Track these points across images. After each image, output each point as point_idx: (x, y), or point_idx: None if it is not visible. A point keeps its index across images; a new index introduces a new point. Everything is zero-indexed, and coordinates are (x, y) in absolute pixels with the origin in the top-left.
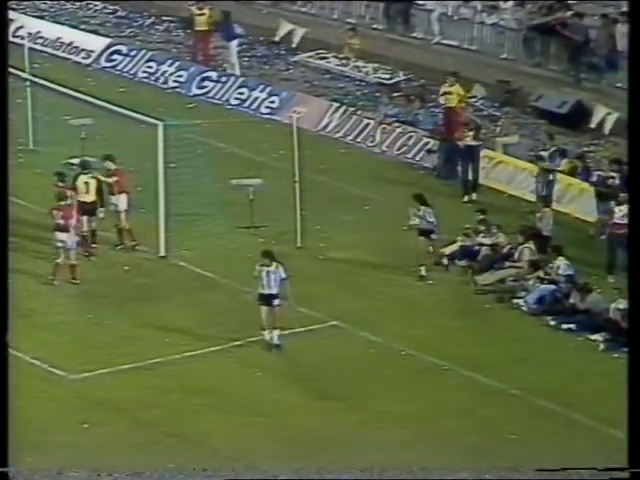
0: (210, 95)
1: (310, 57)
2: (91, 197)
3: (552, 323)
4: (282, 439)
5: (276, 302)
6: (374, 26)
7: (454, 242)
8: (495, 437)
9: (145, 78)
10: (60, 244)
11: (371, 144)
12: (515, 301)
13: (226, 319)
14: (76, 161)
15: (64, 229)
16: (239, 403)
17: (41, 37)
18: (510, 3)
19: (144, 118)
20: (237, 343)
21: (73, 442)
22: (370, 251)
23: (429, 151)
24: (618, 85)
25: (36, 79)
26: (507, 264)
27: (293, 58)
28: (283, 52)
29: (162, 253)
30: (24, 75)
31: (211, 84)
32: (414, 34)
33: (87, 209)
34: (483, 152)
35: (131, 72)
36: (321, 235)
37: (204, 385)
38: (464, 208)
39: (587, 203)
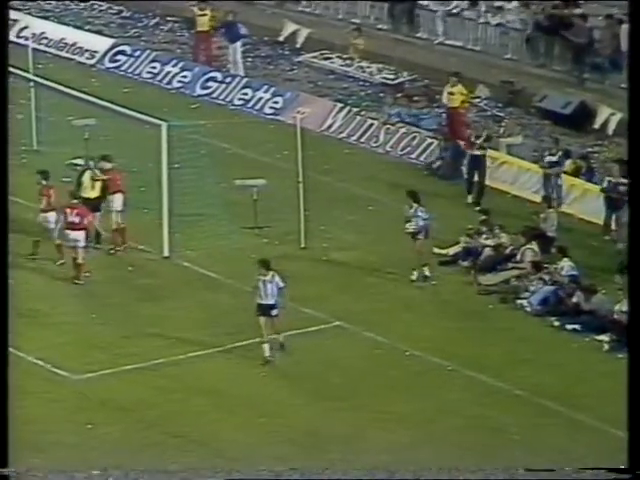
0: (214, 95)
1: (314, 57)
2: (95, 193)
3: (556, 324)
4: (286, 439)
5: (274, 312)
6: (379, 26)
7: (457, 243)
8: (499, 438)
9: (149, 78)
10: (73, 243)
11: (375, 144)
12: (519, 302)
13: (230, 319)
14: (80, 161)
15: (78, 227)
16: (243, 403)
17: (45, 38)
18: (514, 3)
19: (148, 118)
20: (241, 343)
21: (77, 442)
22: (374, 251)
23: (442, 158)
24: (622, 86)
25: (40, 79)
26: (510, 265)
27: (297, 58)
28: (287, 52)
29: (166, 253)
30: (28, 75)
31: (215, 84)
32: (418, 34)
33: (91, 206)
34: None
35: (135, 72)
36: (325, 235)
37: (208, 385)
38: (468, 209)
39: (591, 204)
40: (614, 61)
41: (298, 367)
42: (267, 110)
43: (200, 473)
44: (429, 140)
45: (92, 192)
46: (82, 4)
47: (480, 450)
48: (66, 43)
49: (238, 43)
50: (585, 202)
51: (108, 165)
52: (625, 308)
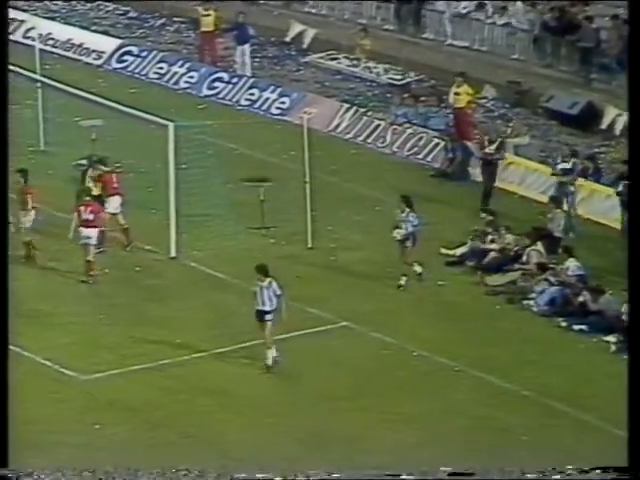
0: (221, 96)
1: (321, 58)
2: (98, 190)
3: (563, 324)
4: (292, 440)
5: (267, 318)
6: (385, 27)
7: (464, 244)
8: (506, 438)
9: (156, 79)
10: (85, 240)
11: (382, 145)
12: (526, 302)
13: (236, 320)
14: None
15: (92, 225)
16: (250, 404)
17: (52, 38)
18: (521, 4)
19: (155, 119)
20: (248, 344)
21: (84, 442)
22: (381, 252)
23: (449, 158)
24: None
25: (47, 80)
26: (516, 266)
27: (304, 59)
28: (294, 53)
29: (173, 254)
30: (35, 76)
31: (222, 85)
32: (425, 35)
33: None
34: None
35: (142, 73)
36: (332, 236)
37: (214, 386)
38: (475, 211)
39: (598, 204)
40: (621, 61)
41: (305, 367)
42: (274, 110)
43: (207, 473)
44: (436, 141)
45: (95, 190)
46: (88, 5)
47: (487, 451)
48: (73, 44)
49: (247, 45)
50: (592, 203)
51: (104, 168)
52: None
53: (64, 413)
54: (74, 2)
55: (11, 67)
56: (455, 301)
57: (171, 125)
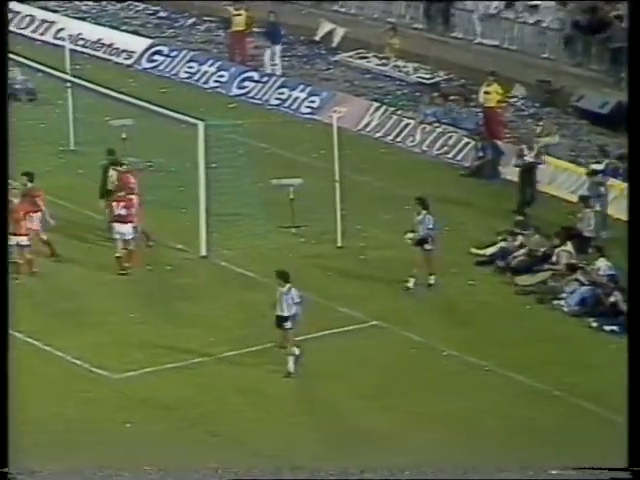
0: (251, 95)
1: (350, 57)
2: (117, 188)
3: (594, 325)
4: (321, 439)
5: (287, 325)
6: (414, 26)
7: (494, 243)
8: (535, 438)
9: (186, 78)
10: (118, 236)
11: (411, 144)
12: (556, 302)
13: (266, 319)
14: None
15: (125, 220)
16: (279, 403)
17: (82, 39)
18: (551, 3)
19: (185, 118)
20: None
21: (117, 441)
22: (410, 251)
23: (479, 158)
24: None
25: (77, 80)
26: (546, 266)
27: (333, 58)
28: (323, 52)
29: (203, 253)
30: (65, 76)
31: (252, 84)
32: (454, 34)
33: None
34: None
35: (172, 72)
36: (361, 235)
37: (245, 385)
38: (506, 211)
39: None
40: None
41: (335, 367)
42: (304, 109)
43: (239, 472)
44: (465, 140)
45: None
46: (119, 5)
47: (516, 451)
48: (103, 44)
49: (278, 46)
50: (623, 203)
51: (119, 168)
52: None
53: (96, 412)
54: (104, 2)
55: (42, 67)
56: (485, 301)
57: (201, 124)
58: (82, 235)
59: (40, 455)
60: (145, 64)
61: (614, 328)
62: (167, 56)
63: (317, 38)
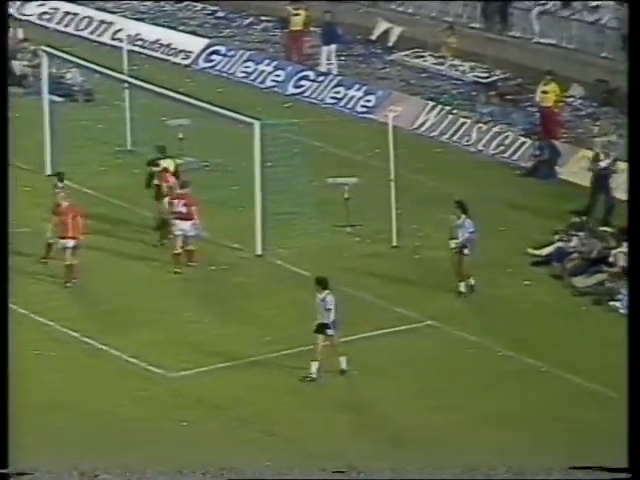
0: (306, 94)
1: (406, 56)
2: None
3: None
4: (376, 438)
5: (329, 332)
6: (471, 25)
7: (551, 243)
8: (591, 439)
9: (243, 78)
10: (179, 232)
11: (467, 143)
12: (612, 304)
13: None
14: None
15: (186, 217)
16: (332, 402)
17: (140, 39)
18: (610, 2)
19: (241, 117)
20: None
21: (172, 440)
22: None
23: (536, 157)
24: None
25: (135, 80)
26: (603, 267)
27: (389, 57)
28: (379, 51)
29: (259, 252)
30: (123, 77)
31: (308, 83)
32: (512, 33)
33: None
34: (581, 152)
35: (229, 72)
36: (417, 234)
37: (298, 384)
38: (560, 210)
39: None
40: None
41: (389, 366)
42: (359, 108)
43: (292, 471)
44: (522, 139)
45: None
46: (177, 5)
47: (571, 451)
48: (161, 44)
49: (334, 45)
50: None
51: (156, 168)
52: None
53: (151, 411)
54: (162, 2)
55: (100, 68)
56: (541, 301)
57: (257, 123)
58: (137, 234)
59: (102, 454)
60: (202, 64)
61: None
62: (224, 56)
63: (373, 37)
